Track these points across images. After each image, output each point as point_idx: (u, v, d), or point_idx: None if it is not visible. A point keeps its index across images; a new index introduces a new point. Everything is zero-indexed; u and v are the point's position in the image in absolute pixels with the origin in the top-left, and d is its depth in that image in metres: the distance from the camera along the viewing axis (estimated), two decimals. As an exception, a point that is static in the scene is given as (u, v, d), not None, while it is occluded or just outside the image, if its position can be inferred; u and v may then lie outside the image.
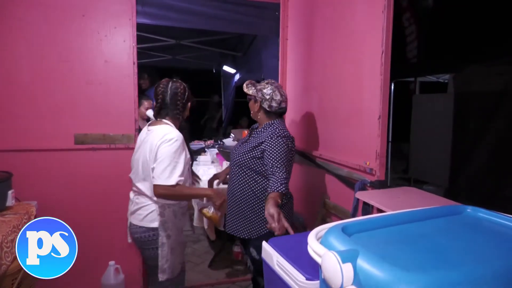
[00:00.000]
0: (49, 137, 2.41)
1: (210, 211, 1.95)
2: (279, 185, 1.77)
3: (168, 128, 1.84)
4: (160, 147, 1.76)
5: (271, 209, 1.63)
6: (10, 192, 2.08)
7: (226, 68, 6.27)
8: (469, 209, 0.90)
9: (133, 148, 2.59)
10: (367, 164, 1.89)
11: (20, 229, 2.00)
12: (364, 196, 1.67)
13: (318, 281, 0.87)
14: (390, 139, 6.03)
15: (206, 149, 4.39)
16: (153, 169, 1.77)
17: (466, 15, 4.36)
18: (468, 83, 4.30)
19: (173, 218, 1.87)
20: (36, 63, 2.36)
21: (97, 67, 2.48)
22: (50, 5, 2.36)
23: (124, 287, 2.56)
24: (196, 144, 4.66)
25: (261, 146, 1.94)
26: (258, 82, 2.17)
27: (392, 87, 5.95)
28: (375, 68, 1.81)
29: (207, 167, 3.38)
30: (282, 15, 2.95)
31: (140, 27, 2.96)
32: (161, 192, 1.76)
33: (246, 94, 2.10)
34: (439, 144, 4.38)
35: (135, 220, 1.91)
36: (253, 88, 2.06)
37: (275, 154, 1.86)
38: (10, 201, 2.08)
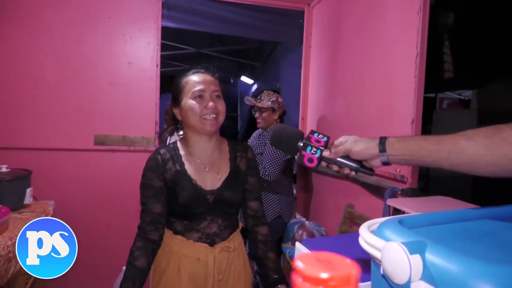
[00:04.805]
0: (69, 137, 2.39)
1: None
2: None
3: None
4: None
5: None
6: (28, 190, 2.04)
7: (243, 78, 6.28)
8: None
9: (151, 151, 2.57)
10: (398, 171, 1.80)
11: (36, 227, 1.98)
12: (397, 202, 1.58)
13: (365, 283, 0.78)
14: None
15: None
16: None
17: (490, 28, 4.27)
18: (492, 100, 4.17)
19: None
20: (60, 63, 2.36)
21: (121, 68, 2.47)
22: (78, 7, 2.38)
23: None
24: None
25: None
26: (276, 92, 2.48)
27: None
28: (408, 71, 1.74)
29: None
30: (306, 22, 2.93)
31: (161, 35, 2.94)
32: None
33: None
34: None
35: None
36: (268, 101, 2.34)
37: (267, 158, 2.18)
38: (28, 199, 2.04)
